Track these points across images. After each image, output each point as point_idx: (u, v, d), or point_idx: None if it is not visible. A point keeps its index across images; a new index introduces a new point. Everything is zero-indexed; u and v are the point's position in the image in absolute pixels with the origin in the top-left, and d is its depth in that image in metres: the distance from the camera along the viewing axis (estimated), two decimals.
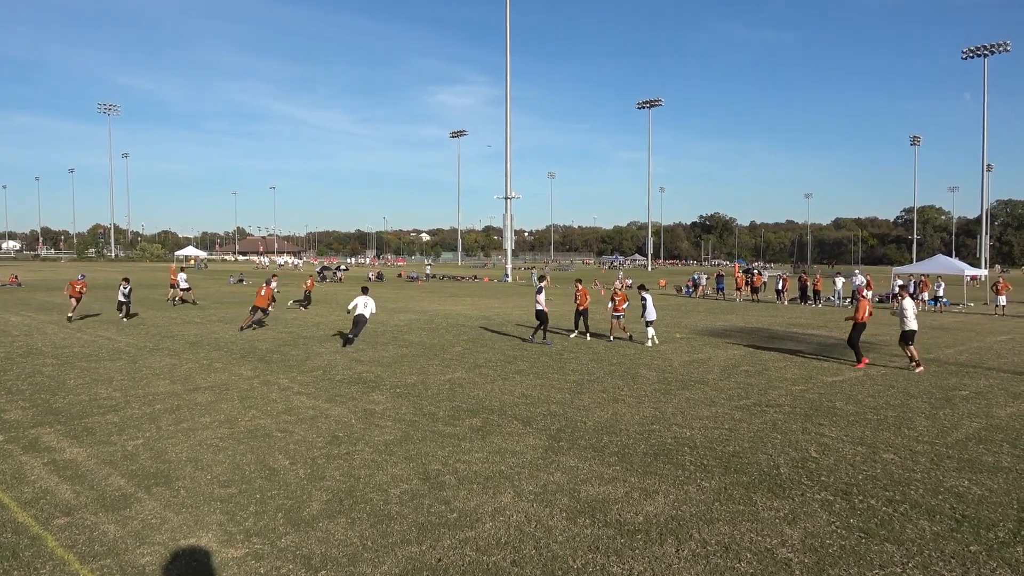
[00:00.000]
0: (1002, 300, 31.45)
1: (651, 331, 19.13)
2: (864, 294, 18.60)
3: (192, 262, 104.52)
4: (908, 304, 15.72)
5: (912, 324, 15.42)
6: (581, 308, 20.40)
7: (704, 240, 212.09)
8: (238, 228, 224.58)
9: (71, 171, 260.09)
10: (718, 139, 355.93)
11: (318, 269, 69.04)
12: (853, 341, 16.13)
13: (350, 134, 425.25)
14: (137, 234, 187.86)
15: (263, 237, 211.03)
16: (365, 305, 18.40)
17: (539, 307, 19.05)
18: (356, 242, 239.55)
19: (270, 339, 19.33)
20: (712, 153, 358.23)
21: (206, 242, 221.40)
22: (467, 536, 6.13)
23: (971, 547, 5.99)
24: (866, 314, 16.04)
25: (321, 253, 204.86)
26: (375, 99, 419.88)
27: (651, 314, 19.17)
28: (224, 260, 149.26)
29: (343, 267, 78.69)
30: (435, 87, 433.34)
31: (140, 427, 9.74)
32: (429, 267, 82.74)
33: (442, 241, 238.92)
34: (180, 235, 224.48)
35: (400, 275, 72.11)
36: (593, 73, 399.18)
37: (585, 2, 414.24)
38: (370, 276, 64.04)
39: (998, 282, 33.28)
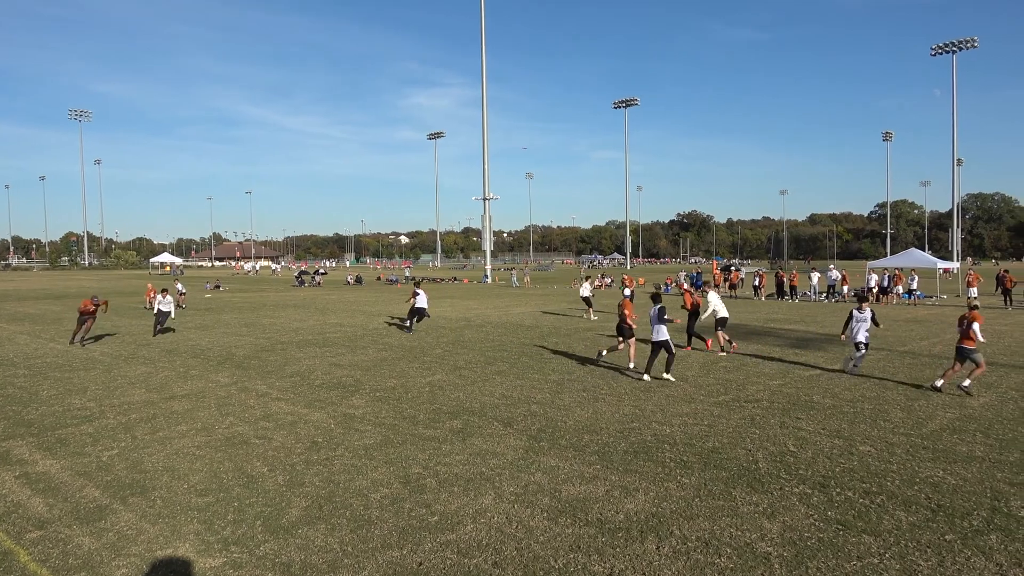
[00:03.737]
0: (973, 292, 31.97)
1: None
2: (685, 287, 19.91)
3: (168, 269, 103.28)
4: (712, 297, 17.80)
5: (722, 312, 17.33)
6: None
7: (682, 238, 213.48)
8: (214, 234, 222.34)
9: (42, 178, 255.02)
10: (694, 137, 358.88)
11: (296, 274, 68.43)
12: (689, 329, 18.08)
13: (327, 137, 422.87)
14: (111, 241, 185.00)
15: (240, 242, 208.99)
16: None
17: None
18: (334, 245, 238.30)
19: (247, 345, 19.14)
20: (689, 151, 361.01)
21: (182, 248, 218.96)
22: (448, 539, 6.11)
23: (946, 536, 6.08)
24: (690, 304, 18.16)
25: (299, 257, 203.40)
26: (351, 102, 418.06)
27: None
28: (200, 266, 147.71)
29: (322, 271, 78.13)
30: (411, 89, 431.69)
31: (115, 437, 9.60)
32: (408, 269, 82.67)
33: (421, 243, 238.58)
34: (155, 242, 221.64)
35: (379, 278, 71.78)
36: (570, 74, 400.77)
37: (561, 3, 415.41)
38: (349, 280, 63.68)
39: (969, 274, 33.87)
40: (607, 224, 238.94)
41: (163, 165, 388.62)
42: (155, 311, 21.91)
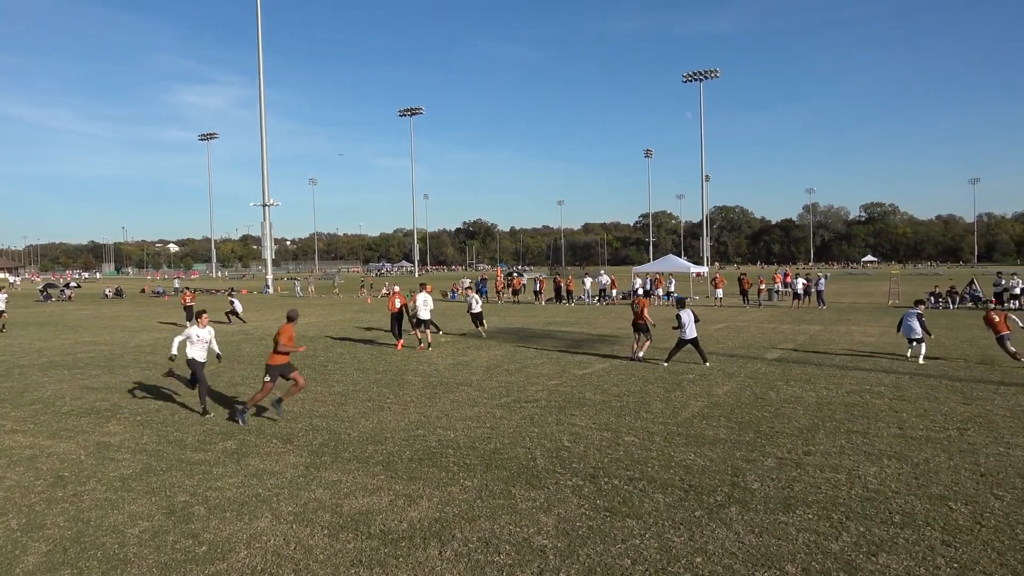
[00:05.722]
0: (719, 293, 36.22)
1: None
2: (395, 289, 22.43)
3: None
4: (420, 299, 19.81)
5: (424, 315, 19.67)
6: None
7: (469, 245, 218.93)
8: None
9: None
10: (477, 148, 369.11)
11: (41, 287, 60.20)
12: (392, 327, 20.75)
13: (78, 133, 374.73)
14: None
15: None
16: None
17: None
18: (90, 255, 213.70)
19: None
20: (472, 161, 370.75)
21: None
22: (218, 569, 5.69)
23: (696, 512, 6.78)
24: (395, 306, 20.71)
25: (45, 268, 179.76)
26: (108, 96, 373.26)
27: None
28: None
29: (73, 283, 69.61)
30: (178, 85, 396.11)
31: None
32: (178, 280, 76.31)
33: (194, 252, 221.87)
34: None
35: (143, 290, 65.48)
36: (354, 79, 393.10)
37: (343, 8, 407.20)
38: (107, 292, 57.37)
39: (716, 277, 38.30)
40: (395, 232, 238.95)
41: None
42: None
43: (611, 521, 6.58)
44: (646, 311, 16.90)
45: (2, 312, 27.11)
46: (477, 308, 22.98)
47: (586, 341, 20.92)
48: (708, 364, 15.72)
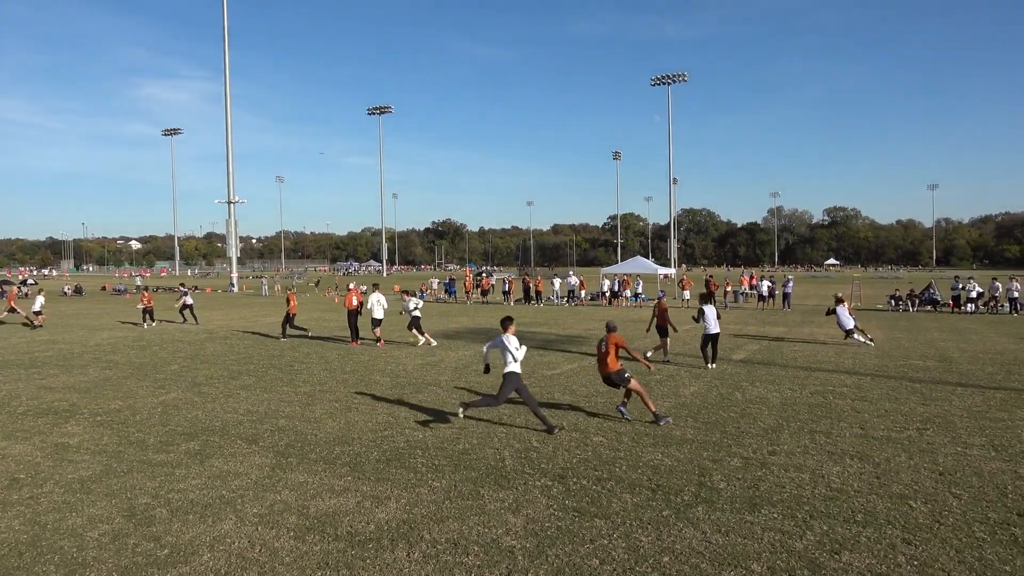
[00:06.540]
0: (687, 294, 36.61)
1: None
2: (350, 286, 22.58)
3: None
4: (374, 298, 20.48)
5: (378, 314, 20.30)
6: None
7: (437, 245, 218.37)
8: None
9: None
10: (447, 148, 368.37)
11: None
12: (349, 324, 21.14)
13: (34, 126, 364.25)
14: None
15: None
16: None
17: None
18: (48, 252, 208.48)
19: None
20: (442, 161, 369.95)
21: None
22: (180, 573, 5.57)
23: (663, 512, 6.82)
24: (352, 303, 21.08)
25: (0, 265, 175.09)
26: (68, 88, 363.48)
27: None
28: None
29: (30, 280, 67.87)
30: (142, 79, 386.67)
31: None
32: (140, 278, 74.83)
33: (156, 249, 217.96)
34: None
35: (104, 287, 64.06)
36: (323, 76, 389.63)
37: (314, 4, 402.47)
38: (66, 290, 56.00)
39: (683, 279, 38.72)
40: (363, 231, 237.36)
41: None
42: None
43: (579, 521, 6.59)
44: (668, 314, 17.35)
45: (39, 312, 27.14)
46: (416, 312, 20.30)
47: (555, 342, 20.97)
48: (713, 366, 15.75)
